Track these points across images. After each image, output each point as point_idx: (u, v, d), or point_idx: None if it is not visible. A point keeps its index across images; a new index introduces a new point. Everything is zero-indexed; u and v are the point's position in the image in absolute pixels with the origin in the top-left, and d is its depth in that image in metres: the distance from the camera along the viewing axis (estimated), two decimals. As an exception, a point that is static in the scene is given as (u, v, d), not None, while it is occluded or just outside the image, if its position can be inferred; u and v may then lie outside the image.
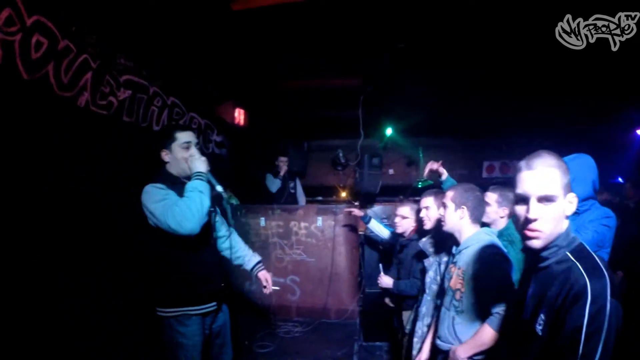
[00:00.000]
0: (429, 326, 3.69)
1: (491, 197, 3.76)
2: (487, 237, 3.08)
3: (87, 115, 4.17)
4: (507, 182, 3.56)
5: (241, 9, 5.20)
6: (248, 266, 3.75)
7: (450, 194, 3.21)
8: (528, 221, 1.91)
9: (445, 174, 4.55)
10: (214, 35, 5.72)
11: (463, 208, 3.13)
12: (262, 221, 7.07)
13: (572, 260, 1.87)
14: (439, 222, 3.96)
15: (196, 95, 6.32)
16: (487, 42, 5.75)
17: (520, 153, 7.35)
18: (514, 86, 7.25)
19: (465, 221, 3.14)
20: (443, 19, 5.23)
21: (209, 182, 3.12)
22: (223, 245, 3.65)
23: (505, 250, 3.06)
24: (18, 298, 3.12)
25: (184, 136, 3.27)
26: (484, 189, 3.66)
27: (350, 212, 6.14)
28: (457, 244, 3.20)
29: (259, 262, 3.80)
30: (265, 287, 3.75)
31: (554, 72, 6.40)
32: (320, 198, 8.56)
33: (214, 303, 3.27)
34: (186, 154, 3.22)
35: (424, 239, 4.01)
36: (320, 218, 6.92)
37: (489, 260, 2.88)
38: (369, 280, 6.79)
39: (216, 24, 5.44)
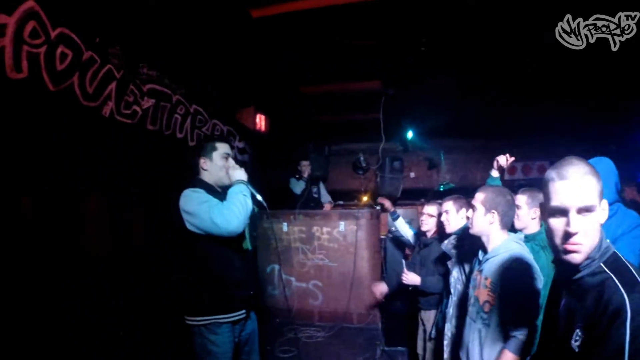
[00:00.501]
0: (457, 326, 3.66)
1: (521, 199, 3.57)
2: (517, 245, 2.95)
3: (112, 124, 4.25)
4: (531, 184, 3.44)
5: (261, 16, 5.25)
6: None
7: (480, 196, 3.07)
8: (569, 235, 1.75)
9: (497, 173, 4.07)
10: (235, 43, 5.78)
11: (494, 213, 2.98)
12: (285, 226, 7.11)
13: (607, 273, 1.73)
14: (459, 226, 3.95)
15: (218, 102, 6.39)
16: (501, 43, 5.75)
17: (541, 154, 7.29)
18: (534, 87, 7.20)
19: (495, 226, 3.00)
20: (458, 19, 5.24)
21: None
22: None
23: (532, 259, 2.90)
24: (18, 298, 3.17)
25: (224, 147, 3.35)
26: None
27: (382, 204, 5.98)
28: (484, 248, 3.08)
29: None
30: None
31: (575, 73, 6.34)
32: (341, 202, 8.56)
33: (244, 311, 3.29)
34: (225, 164, 3.30)
35: (445, 241, 3.98)
36: (342, 223, 6.94)
37: (518, 276, 2.76)
38: (391, 284, 6.78)
39: (236, 32, 5.50)
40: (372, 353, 5.55)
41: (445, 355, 3.72)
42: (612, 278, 1.69)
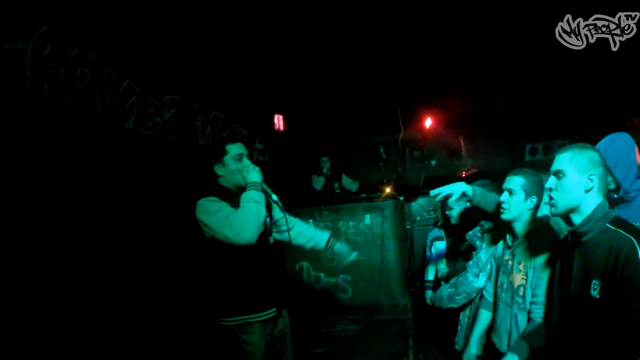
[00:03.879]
0: (469, 317, 3.74)
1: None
2: (548, 228, 2.95)
3: (135, 137, 4.37)
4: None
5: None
6: (321, 245, 3.79)
7: (520, 180, 2.98)
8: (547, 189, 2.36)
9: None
10: (250, 45, 5.84)
11: (534, 199, 2.96)
12: (310, 223, 7.15)
13: (613, 228, 2.11)
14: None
15: (236, 106, 6.45)
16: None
17: (562, 133, 7.17)
18: (552, 65, 7.14)
19: (532, 211, 2.99)
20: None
21: (264, 191, 3.17)
22: (295, 235, 3.70)
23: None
24: (19, 298, 3.20)
25: (235, 148, 3.31)
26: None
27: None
28: (513, 233, 3.06)
29: (330, 238, 3.83)
30: (342, 259, 3.87)
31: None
32: (364, 195, 8.59)
33: (274, 309, 3.31)
34: (239, 166, 3.27)
35: (470, 232, 3.93)
36: (367, 216, 6.99)
37: (551, 256, 2.73)
38: (420, 273, 6.80)
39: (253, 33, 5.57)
40: (404, 343, 5.59)
41: (457, 339, 3.84)
42: (619, 231, 2.08)
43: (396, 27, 5.87)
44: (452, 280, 3.71)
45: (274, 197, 3.28)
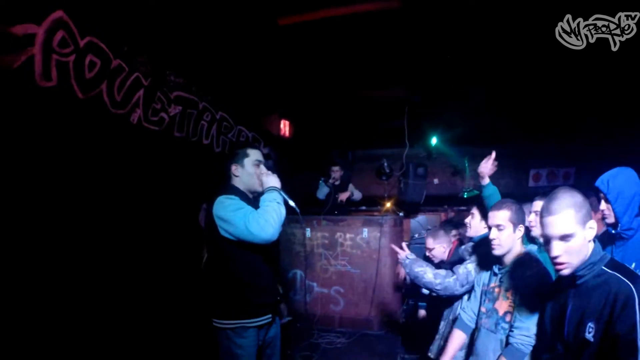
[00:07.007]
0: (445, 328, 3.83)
1: (539, 205, 3.33)
2: (535, 258, 2.99)
3: (140, 132, 4.34)
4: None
5: (288, 24, 5.30)
6: None
7: (505, 214, 3.02)
8: (553, 257, 2.18)
9: (487, 179, 4.01)
10: (261, 50, 5.82)
11: (521, 228, 3.03)
12: (308, 232, 7.14)
13: (610, 272, 2.12)
14: (479, 232, 3.85)
15: (243, 109, 6.45)
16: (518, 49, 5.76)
17: (568, 161, 7.12)
18: (560, 92, 7.12)
19: (520, 241, 3.06)
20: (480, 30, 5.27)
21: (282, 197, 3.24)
22: None
23: (549, 270, 2.94)
24: (20, 298, 3.18)
25: (255, 154, 3.42)
26: (531, 198, 3.57)
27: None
28: (501, 261, 3.09)
29: None
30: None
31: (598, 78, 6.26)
32: (364, 208, 8.56)
33: (269, 315, 3.35)
34: (257, 171, 3.36)
35: (462, 247, 4.01)
36: (366, 229, 6.95)
37: (537, 287, 2.78)
38: (413, 292, 6.76)
39: (263, 39, 5.55)
40: (392, 361, 5.55)
41: (432, 347, 3.95)
42: (616, 275, 2.09)
43: (407, 41, 5.85)
44: (442, 273, 3.67)
45: (292, 203, 3.33)
